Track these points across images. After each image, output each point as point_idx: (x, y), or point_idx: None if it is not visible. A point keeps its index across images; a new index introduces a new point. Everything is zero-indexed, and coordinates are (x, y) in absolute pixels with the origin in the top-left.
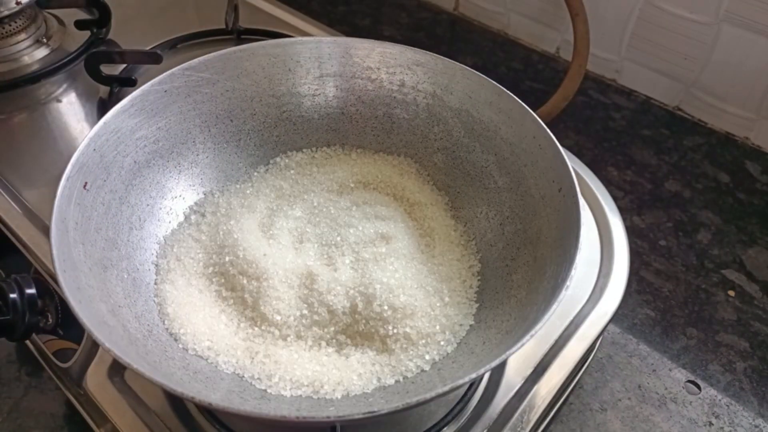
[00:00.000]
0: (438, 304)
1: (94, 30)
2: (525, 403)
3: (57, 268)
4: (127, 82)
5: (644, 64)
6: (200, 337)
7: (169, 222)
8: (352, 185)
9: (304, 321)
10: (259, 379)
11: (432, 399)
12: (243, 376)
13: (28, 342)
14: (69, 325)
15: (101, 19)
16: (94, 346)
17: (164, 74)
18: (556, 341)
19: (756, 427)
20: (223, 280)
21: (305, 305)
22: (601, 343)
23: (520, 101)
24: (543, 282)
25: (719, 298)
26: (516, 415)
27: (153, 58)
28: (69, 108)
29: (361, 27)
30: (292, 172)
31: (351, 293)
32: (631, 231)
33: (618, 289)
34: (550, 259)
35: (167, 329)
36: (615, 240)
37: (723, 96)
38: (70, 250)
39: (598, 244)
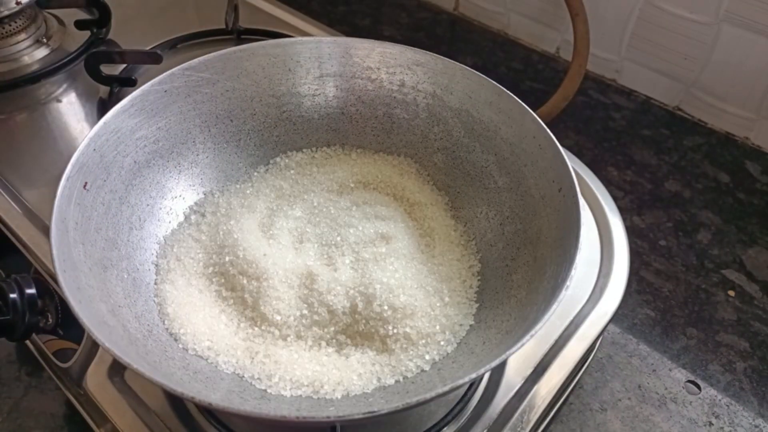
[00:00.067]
0: (438, 304)
1: (94, 30)
2: (525, 403)
3: (57, 268)
4: (127, 82)
5: (644, 64)
6: (200, 337)
7: (169, 222)
8: (352, 185)
9: (304, 321)
10: (259, 379)
11: (432, 399)
12: (243, 376)
13: (28, 342)
14: (69, 325)
15: (101, 19)
16: (94, 346)
17: (164, 74)
18: (556, 341)
19: (756, 427)
20: (223, 280)
21: (305, 305)
22: (601, 343)
23: (520, 101)
24: (543, 282)
25: (719, 298)
26: (516, 415)
27: (153, 58)
28: (69, 108)
29: (361, 27)
30: (292, 172)
31: (351, 293)
32: (631, 231)
33: (618, 289)
34: (550, 259)
35: (167, 329)
36: (615, 240)
37: (723, 96)
38: (70, 250)
39: (598, 244)
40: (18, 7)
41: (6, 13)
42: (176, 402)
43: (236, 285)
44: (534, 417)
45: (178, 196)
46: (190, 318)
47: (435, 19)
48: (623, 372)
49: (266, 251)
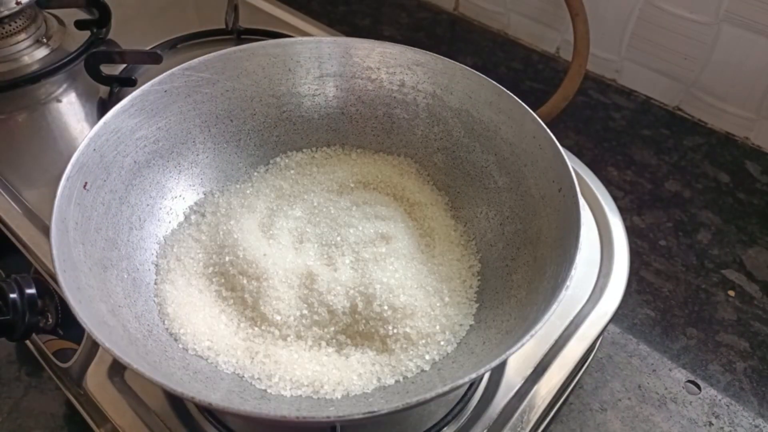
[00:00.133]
0: (438, 304)
1: (94, 30)
2: (525, 403)
3: (57, 268)
4: (127, 82)
5: (644, 64)
6: (200, 337)
7: (169, 222)
8: (352, 185)
9: (304, 321)
10: (259, 379)
11: (432, 399)
12: (243, 376)
13: (28, 342)
14: (69, 325)
15: (101, 19)
16: (94, 346)
17: (164, 74)
18: (556, 341)
19: (756, 427)
20: (223, 280)
21: (305, 305)
22: (601, 343)
23: (520, 101)
24: (543, 282)
25: (719, 298)
26: (516, 415)
27: (153, 58)
28: (69, 108)
29: (361, 27)
30: (292, 172)
31: (351, 293)
32: (631, 231)
33: (618, 289)
34: (550, 259)
35: (167, 329)
36: (615, 240)
37: (723, 96)
38: (70, 250)
39: (598, 244)
40: (18, 7)
41: (6, 13)
42: (176, 402)
43: (236, 285)
44: (534, 417)
45: (178, 196)
46: (190, 318)
47: (435, 19)
48: (623, 372)
49: (266, 251)
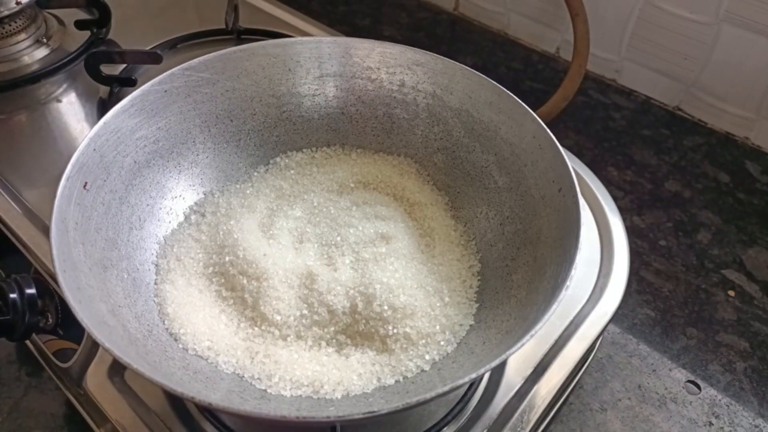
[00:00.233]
0: (438, 304)
1: (94, 30)
2: (525, 403)
3: (57, 268)
4: (127, 82)
5: (644, 64)
6: (200, 337)
7: (169, 222)
8: (352, 185)
9: (304, 321)
10: (259, 379)
11: (432, 399)
12: (243, 376)
13: (28, 342)
14: (69, 325)
15: (101, 19)
16: (94, 346)
17: (164, 74)
18: (556, 341)
19: (756, 427)
20: (223, 280)
21: (305, 305)
22: (601, 343)
23: (520, 101)
24: (543, 282)
25: (719, 298)
26: (516, 415)
27: (153, 58)
28: (69, 108)
29: (361, 27)
30: (292, 172)
31: (351, 293)
32: (631, 231)
33: (618, 289)
34: (550, 259)
35: (167, 329)
36: (615, 240)
37: (723, 96)
38: (70, 250)
39: (598, 244)
40: (18, 7)
41: (6, 13)
42: (176, 402)
43: (236, 285)
44: (534, 417)
45: (178, 196)
46: (190, 318)
47: (435, 19)
48: (623, 372)
49: (266, 251)
